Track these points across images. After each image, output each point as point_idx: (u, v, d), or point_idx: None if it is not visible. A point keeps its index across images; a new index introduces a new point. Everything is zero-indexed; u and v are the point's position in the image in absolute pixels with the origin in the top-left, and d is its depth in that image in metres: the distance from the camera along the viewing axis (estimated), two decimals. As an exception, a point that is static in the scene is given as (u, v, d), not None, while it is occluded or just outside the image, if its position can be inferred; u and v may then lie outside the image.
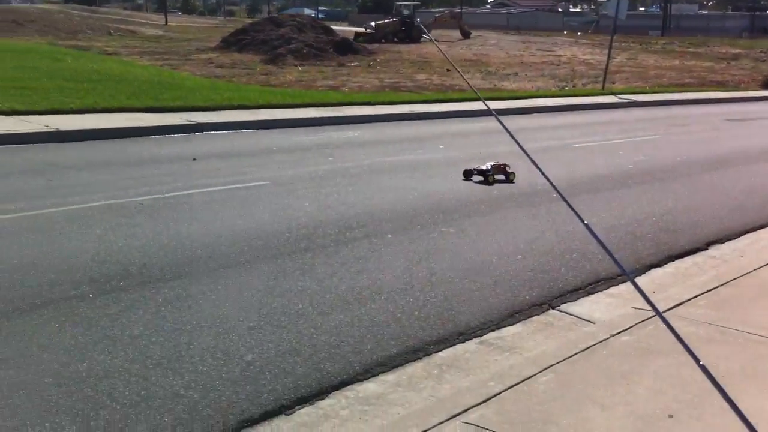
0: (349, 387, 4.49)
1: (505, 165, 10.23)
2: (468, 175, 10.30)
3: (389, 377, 4.65)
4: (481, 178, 10.15)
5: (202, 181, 9.53)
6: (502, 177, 10.16)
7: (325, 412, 4.18)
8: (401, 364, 4.82)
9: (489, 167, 10.15)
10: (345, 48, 33.51)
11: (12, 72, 17.32)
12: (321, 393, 4.38)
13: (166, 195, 8.66)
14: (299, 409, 4.21)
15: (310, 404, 4.26)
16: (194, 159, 11.06)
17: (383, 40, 42.60)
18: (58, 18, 44.36)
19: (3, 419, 3.83)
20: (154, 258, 6.44)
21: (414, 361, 4.89)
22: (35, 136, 11.87)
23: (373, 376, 4.65)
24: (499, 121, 3.11)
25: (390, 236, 7.56)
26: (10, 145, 11.35)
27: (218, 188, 9.14)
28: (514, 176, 10.22)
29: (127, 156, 11.20)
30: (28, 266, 6.01)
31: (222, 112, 15.53)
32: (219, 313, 5.37)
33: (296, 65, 28.02)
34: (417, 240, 7.51)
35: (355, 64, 30.11)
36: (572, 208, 2.63)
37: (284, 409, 4.19)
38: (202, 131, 13.87)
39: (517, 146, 3.01)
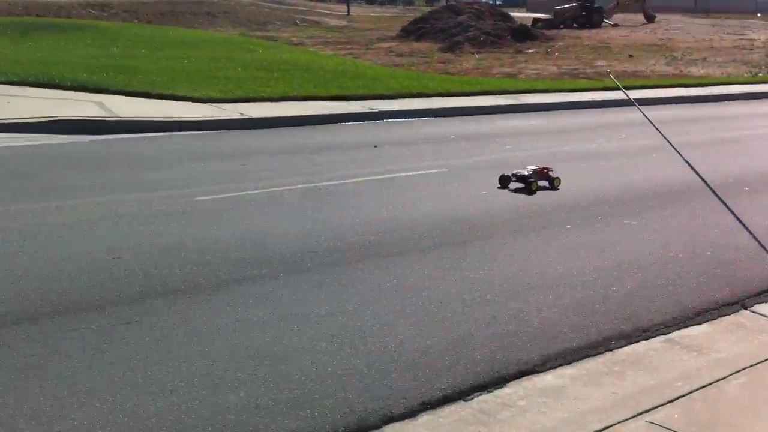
0: (527, 377, 4.48)
1: (547, 169, 8.88)
2: (504, 182, 8.79)
3: (568, 371, 4.60)
4: (520, 185, 8.70)
5: (383, 167, 9.76)
6: (545, 183, 8.76)
7: (503, 400, 4.20)
8: (581, 358, 4.75)
9: (530, 172, 8.72)
10: (523, 34, 33.00)
11: (209, 62, 18.45)
12: (499, 382, 4.40)
13: (350, 180, 8.96)
14: (477, 396, 4.25)
15: (489, 392, 4.29)
16: (375, 146, 11.34)
17: (562, 26, 41.55)
18: (250, 10, 46.68)
19: (203, 388, 4.13)
20: (338, 241, 6.69)
21: (594, 355, 4.80)
22: (230, 122, 12.62)
23: (552, 368, 4.61)
24: (640, 110, 2.98)
25: (569, 227, 7.44)
26: (208, 130, 12.13)
27: (398, 174, 9.33)
28: (559, 182, 8.81)
29: (314, 142, 11.67)
30: (224, 244, 6.42)
31: (401, 100, 15.79)
32: (396, 297, 5.50)
33: (473, 53, 27.96)
34: (598, 231, 7.34)
35: (532, 50, 29.62)
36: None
37: (462, 394, 4.25)
38: (383, 119, 14.17)
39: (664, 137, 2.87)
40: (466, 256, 6.45)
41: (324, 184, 8.70)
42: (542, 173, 8.80)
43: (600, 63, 25.50)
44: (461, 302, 5.45)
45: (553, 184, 8.80)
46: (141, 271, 5.72)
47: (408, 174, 9.38)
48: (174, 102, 13.60)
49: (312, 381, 4.25)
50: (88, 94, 13.54)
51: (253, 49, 22.52)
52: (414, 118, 14.52)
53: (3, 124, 11.08)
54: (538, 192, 8.55)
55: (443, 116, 14.83)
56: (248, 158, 10.12)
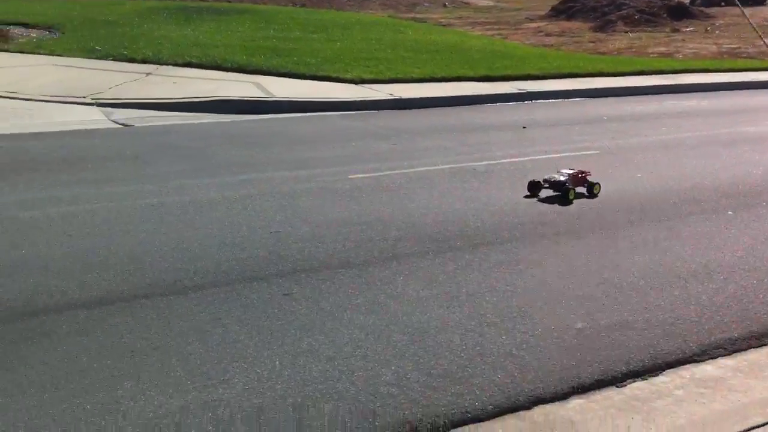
0: (684, 367, 4.34)
1: (585, 173, 7.62)
2: (535, 188, 7.55)
3: (729, 362, 4.42)
4: (552, 192, 7.48)
5: (533, 148, 9.66)
6: (582, 190, 7.55)
7: (657, 388, 4.10)
8: (743, 349, 4.55)
9: (566, 177, 7.46)
10: (680, 12, 31.44)
11: (360, 44, 18.75)
12: (654, 369, 4.29)
13: (499, 161, 8.93)
14: (631, 382, 4.17)
15: (643, 379, 4.20)
16: (524, 127, 11.22)
17: (723, 3, 39.29)
18: (398, -9, 46.94)
19: (356, 360, 4.27)
20: (487, 221, 6.70)
21: (757, 347, 4.59)
22: (381, 103, 12.83)
23: (711, 358, 4.44)
24: None
25: (731, 213, 7.11)
26: (360, 110, 12.39)
27: (548, 156, 9.20)
28: (599, 188, 7.56)
29: (462, 123, 11.68)
30: (376, 222, 6.56)
31: (551, 80, 15.51)
32: (548, 279, 5.46)
33: (626, 32, 26.94)
34: (762, 218, 6.97)
35: (690, 29, 28.19)
36: None
37: (615, 380, 4.17)
38: (532, 99, 13.99)
39: None
40: (622, 240, 6.30)
41: (473, 164, 8.71)
42: (578, 179, 7.55)
43: (762, 42, 23.94)
44: (617, 287, 5.34)
45: (593, 190, 7.54)
46: (298, 246, 5.95)
47: (558, 156, 9.23)
48: (327, 83, 13.95)
49: (461, 359, 4.30)
50: (246, 75, 14.12)
51: (402, 30, 22.68)
52: (564, 98, 14.24)
53: (170, 103, 11.76)
54: (684, 176, 8.20)
55: (595, 97, 14.46)
56: (399, 138, 10.26)
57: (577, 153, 9.43)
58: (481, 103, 13.47)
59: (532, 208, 7.12)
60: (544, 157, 9.14)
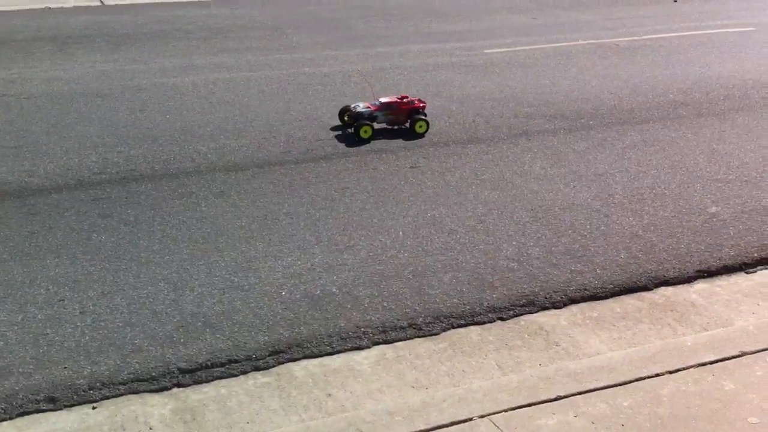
0: (821, 256, 4.14)
1: (413, 103, 5.81)
2: (343, 116, 5.90)
3: None
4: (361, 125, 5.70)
5: (683, 24, 9.09)
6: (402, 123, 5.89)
7: (791, 277, 3.94)
8: None
9: (368, 109, 5.75)
10: None
11: None
12: (789, 258, 4.12)
13: (644, 37, 8.48)
14: (761, 269, 4.02)
15: (775, 267, 4.04)
16: (675, 0, 10.53)
17: None
18: None
19: (478, 234, 4.32)
20: (625, 100, 6.45)
21: None
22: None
23: None
24: None
25: None
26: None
27: (698, 32, 8.65)
28: (425, 127, 5.76)
29: (607, -4, 11.10)
30: (508, 98, 6.46)
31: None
32: (685, 161, 5.25)
33: None
34: None
35: None
36: None
37: (745, 266, 4.04)
38: (688, -30, 13.04)
39: None
40: (764, 121, 5.93)
41: (617, 39, 8.32)
42: (400, 109, 5.79)
43: None
44: (758, 171, 5.08)
45: (415, 127, 5.76)
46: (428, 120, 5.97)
47: (708, 32, 8.66)
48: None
49: (584, 238, 4.26)
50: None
51: None
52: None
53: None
54: None
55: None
56: (539, 11, 9.89)
57: (733, 30, 8.80)
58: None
59: (675, 86, 6.78)
60: (693, 33, 8.60)
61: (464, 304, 3.63)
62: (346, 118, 5.81)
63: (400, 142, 5.57)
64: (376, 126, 5.73)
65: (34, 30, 8.32)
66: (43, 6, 9.42)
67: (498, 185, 4.90)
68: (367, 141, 5.58)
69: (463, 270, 3.92)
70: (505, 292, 3.75)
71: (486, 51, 7.86)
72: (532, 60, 7.58)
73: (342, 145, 5.48)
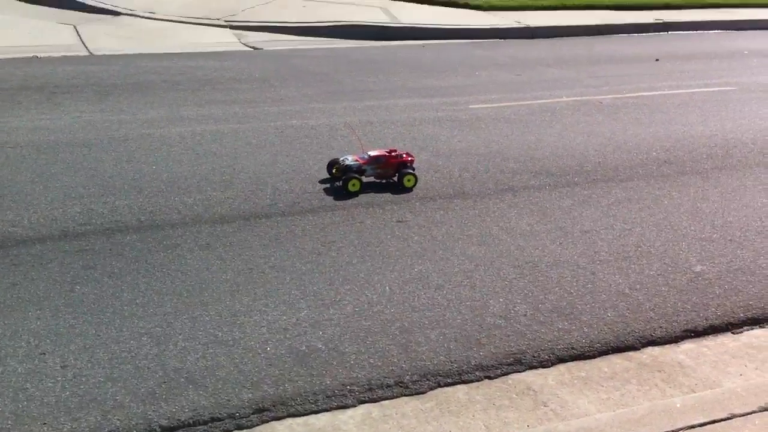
0: (807, 317, 4.16)
1: (401, 157, 5.82)
2: (331, 168, 5.87)
3: None
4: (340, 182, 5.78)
5: (666, 82, 9.25)
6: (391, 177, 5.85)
7: (777, 338, 3.95)
8: None
9: (356, 162, 5.74)
10: None
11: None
12: (775, 318, 4.13)
13: (627, 95, 8.61)
14: (748, 329, 4.03)
15: (761, 327, 4.05)
16: (657, 59, 10.74)
17: None
18: None
19: (464, 289, 4.31)
20: (609, 157, 6.52)
21: None
22: (507, 31, 12.55)
23: (839, 310, 4.22)
24: None
25: None
26: (485, 39, 12.17)
27: (681, 91, 8.80)
28: (413, 181, 5.74)
29: (591, 54, 11.29)
30: (494, 153, 6.51)
31: (691, 10, 14.70)
32: (670, 219, 5.29)
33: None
34: None
35: None
36: None
37: (731, 326, 4.05)
38: (668, 30, 13.34)
39: None
40: (750, 182, 6.01)
41: (601, 97, 8.44)
42: (388, 163, 5.79)
43: None
44: (742, 230, 5.13)
45: (403, 181, 5.73)
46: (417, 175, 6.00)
47: (690, 91, 8.81)
48: (452, 9, 13.74)
49: (571, 295, 4.26)
50: (375, 0, 14.06)
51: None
52: (704, 30, 13.47)
53: (299, 27, 11.90)
54: None
55: (738, 29, 13.61)
56: (524, 68, 10.04)
57: (713, 89, 8.96)
58: (613, 33, 12.97)
59: (658, 144, 6.87)
60: (675, 92, 8.75)
61: (451, 362, 3.60)
62: (334, 171, 5.82)
63: (387, 195, 5.58)
64: (365, 179, 5.75)
65: (21, 79, 8.34)
66: (30, 55, 9.46)
67: (484, 241, 4.90)
68: (355, 194, 5.59)
69: (450, 327, 3.90)
70: (492, 350, 3.72)
71: (472, 106, 7.95)
72: (517, 116, 7.67)
73: (329, 198, 5.48)
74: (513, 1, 14.31)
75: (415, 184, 5.76)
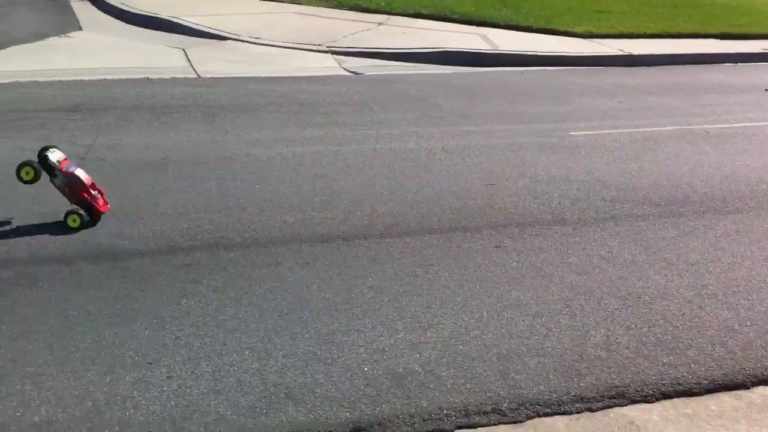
0: None
1: (84, 189, 5.25)
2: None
3: None
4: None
5: (776, 113, 8.92)
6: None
7: None
8: None
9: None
10: None
11: (591, -4, 18.05)
12: None
13: (735, 125, 8.33)
14: None
15: None
16: (766, 90, 10.36)
17: None
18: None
19: (564, 318, 4.23)
20: (716, 188, 6.31)
21: None
22: (609, 59, 12.34)
23: None
24: None
25: None
26: (587, 66, 12.00)
27: (793, 122, 8.46)
28: (77, 222, 5.11)
29: (696, 83, 10.99)
30: (594, 181, 6.39)
31: (805, 39, 14.13)
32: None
33: None
34: None
35: None
36: None
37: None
38: (778, 60, 12.85)
39: None
40: None
41: (707, 126, 8.20)
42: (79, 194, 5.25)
43: None
44: None
45: (66, 221, 5.12)
46: (512, 199, 5.94)
47: (805, 122, 8.46)
48: (555, 36, 13.60)
49: (676, 329, 4.13)
50: (473, 27, 14.08)
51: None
52: (819, 60, 12.93)
53: (398, 53, 12.02)
54: None
55: None
56: (626, 96, 9.85)
57: (828, 120, 8.59)
58: (719, 62, 12.58)
59: (769, 177, 6.61)
60: (787, 122, 8.42)
61: (551, 392, 3.53)
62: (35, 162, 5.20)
63: (484, 220, 5.55)
64: (52, 182, 5.27)
65: (133, 98, 8.69)
66: (142, 76, 9.86)
67: (585, 269, 4.81)
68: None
69: (550, 355, 3.84)
70: (593, 381, 3.64)
71: (572, 133, 7.84)
72: (618, 144, 7.52)
73: (426, 221, 5.49)
74: (617, 28, 14.08)
75: (79, 227, 5.10)
